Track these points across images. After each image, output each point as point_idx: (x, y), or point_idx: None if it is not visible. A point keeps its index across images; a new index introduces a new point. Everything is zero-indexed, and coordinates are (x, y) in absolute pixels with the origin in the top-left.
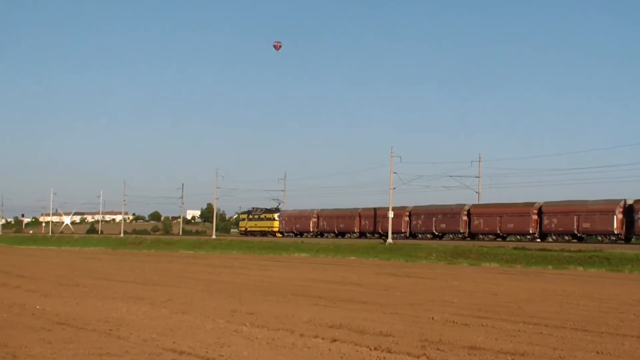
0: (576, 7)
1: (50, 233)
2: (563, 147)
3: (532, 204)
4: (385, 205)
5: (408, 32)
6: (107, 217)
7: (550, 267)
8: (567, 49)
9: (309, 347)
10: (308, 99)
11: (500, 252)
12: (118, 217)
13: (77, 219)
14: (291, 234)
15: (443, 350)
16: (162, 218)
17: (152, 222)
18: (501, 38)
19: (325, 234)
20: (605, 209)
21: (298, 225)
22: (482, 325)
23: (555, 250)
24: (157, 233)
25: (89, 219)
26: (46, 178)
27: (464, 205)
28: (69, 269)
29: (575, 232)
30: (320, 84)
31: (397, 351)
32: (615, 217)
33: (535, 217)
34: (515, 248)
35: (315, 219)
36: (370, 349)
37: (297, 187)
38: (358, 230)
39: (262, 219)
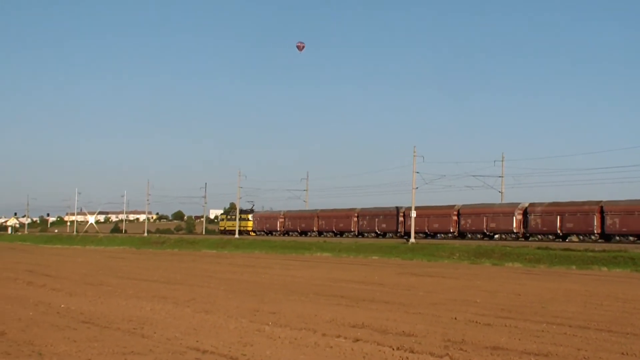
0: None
1: (75, 232)
2: (587, 147)
3: (452, 207)
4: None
5: (426, 30)
6: (131, 217)
7: (574, 267)
8: (592, 48)
9: (332, 347)
10: (331, 98)
11: (523, 252)
12: (142, 217)
13: (102, 218)
14: (262, 233)
15: (466, 351)
16: (185, 217)
17: (175, 221)
18: (522, 37)
19: (290, 233)
20: (507, 211)
21: (267, 225)
22: (506, 325)
23: (580, 250)
24: (180, 232)
25: (113, 218)
26: (71, 178)
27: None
28: (93, 268)
29: (485, 231)
30: (343, 83)
31: (420, 351)
32: (514, 218)
33: (455, 217)
34: (538, 248)
35: (282, 219)
36: (393, 349)
37: (320, 187)
38: (317, 230)
39: (239, 219)
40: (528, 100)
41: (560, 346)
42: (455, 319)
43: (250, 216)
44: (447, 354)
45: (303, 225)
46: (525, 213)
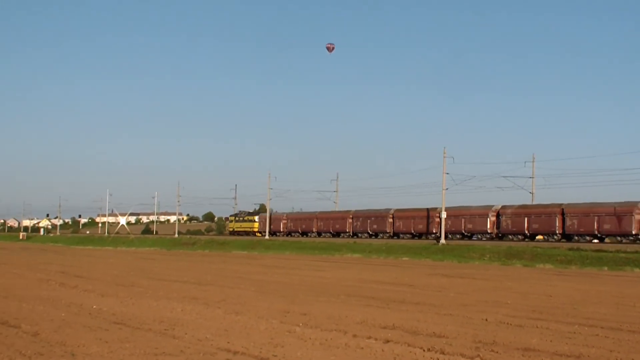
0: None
1: (106, 233)
2: (620, 147)
3: (434, 209)
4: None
5: (454, 31)
6: (162, 218)
7: (605, 268)
8: (626, 49)
9: (362, 348)
10: (359, 99)
11: (554, 253)
12: (172, 218)
13: (133, 219)
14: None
15: (497, 352)
16: (216, 219)
17: (205, 222)
18: (554, 36)
19: (293, 233)
20: (482, 213)
21: (272, 226)
22: (537, 326)
23: (611, 252)
24: (210, 233)
25: (144, 219)
26: (102, 179)
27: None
28: (125, 269)
29: (463, 231)
30: (373, 83)
31: (451, 352)
32: (489, 219)
33: (437, 219)
34: (570, 249)
35: (285, 221)
36: (424, 350)
37: (349, 188)
38: (315, 230)
39: (245, 221)
40: (560, 101)
41: (592, 348)
42: (486, 320)
43: (256, 218)
44: (478, 355)
45: (303, 226)
46: (498, 215)
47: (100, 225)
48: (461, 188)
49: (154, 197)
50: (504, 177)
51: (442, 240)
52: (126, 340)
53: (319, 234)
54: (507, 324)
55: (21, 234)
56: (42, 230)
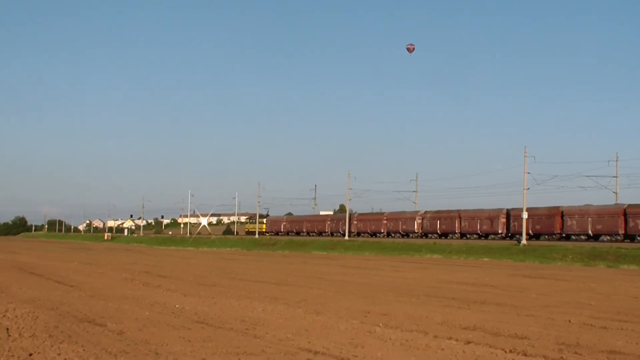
0: None
1: (188, 234)
2: None
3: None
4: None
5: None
6: (243, 219)
7: None
8: None
9: (443, 349)
10: (438, 100)
11: (639, 253)
12: None
13: (214, 220)
14: (272, 233)
15: (581, 354)
16: None
17: None
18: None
19: (290, 233)
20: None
21: (275, 227)
22: (622, 329)
23: None
24: (290, 234)
25: (225, 220)
26: (184, 180)
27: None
28: (206, 269)
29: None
30: (454, 83)
31: (533, 354)
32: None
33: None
34: None
35: (284, 223)
36: (506, 352)
37: (429, 188)
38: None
39: (254, 223)
40: None
41: None
42: (569, 321)
43: (265, 220)
44: (562, 358)
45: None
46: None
47: (182, 225)
48: (542, 188)
49: (234, 198)
50: (586, 176)
51: (524, 241)
52: (208, 340)
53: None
54: (591, 325)
55: (106, 234)
56: (126, 231)
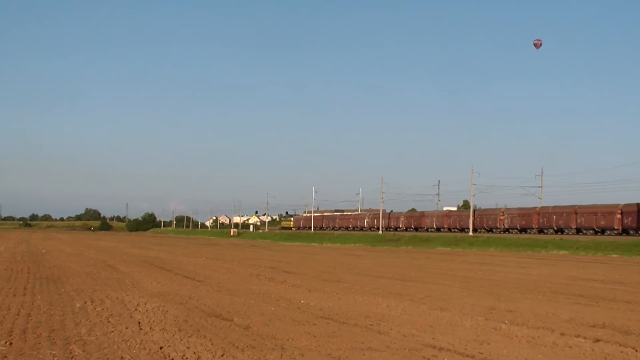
0: None
1: (312, 230)
2: None
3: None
4: None
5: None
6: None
7: None
8: None
9: (570, 347)
10: (565, 95)
11: None
12: None
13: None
14: (297, 228)
15: None
16: None
17: None
18: None
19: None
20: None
21: (300, 224)
22: None
23: None
24: (412, 230)
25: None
26: (308, 176)
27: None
28: (330, 265)
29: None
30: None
31: None
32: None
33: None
34: None
35: (301, 220)
36: (637, 351)
37: (555, 183)
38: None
39: (286, 220)
40: None
41: None
42: None
43: (291, 218)
44: None
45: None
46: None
47: None
48: None
49: (358, 194)
50: None
51: None
52: (333, 335)
53: (321, 228)
54: None
55: (232, 230)
56: (251, 227)
